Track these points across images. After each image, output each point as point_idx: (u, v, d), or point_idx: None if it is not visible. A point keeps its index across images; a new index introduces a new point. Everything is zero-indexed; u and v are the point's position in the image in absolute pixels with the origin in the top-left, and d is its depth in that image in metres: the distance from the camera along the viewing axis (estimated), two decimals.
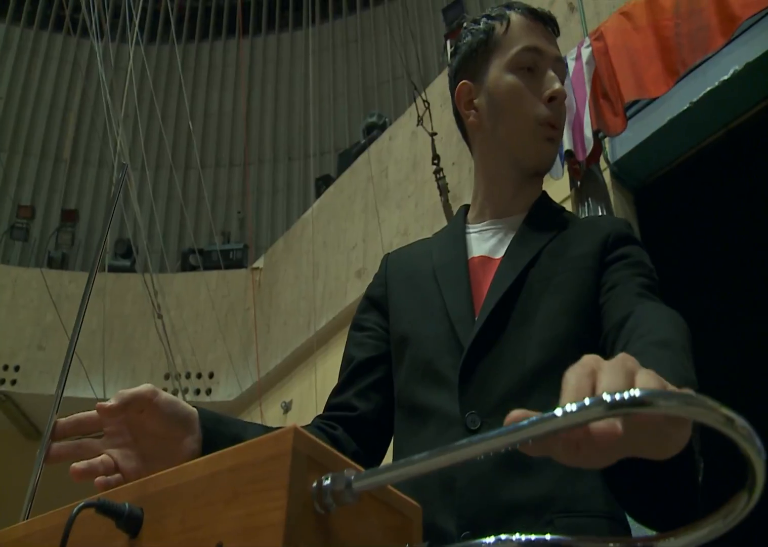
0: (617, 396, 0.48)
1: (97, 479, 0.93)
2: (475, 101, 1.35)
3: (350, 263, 6.40)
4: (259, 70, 11.50)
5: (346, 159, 7.80)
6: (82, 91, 11.04)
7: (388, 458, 1.28)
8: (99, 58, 7.11)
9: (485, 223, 1.35)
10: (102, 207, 10.59)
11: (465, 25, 1.43)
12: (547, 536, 0.56)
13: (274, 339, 7.18)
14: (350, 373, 1.32)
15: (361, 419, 1.27)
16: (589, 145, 3.76)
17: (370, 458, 1.27)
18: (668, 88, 3.48)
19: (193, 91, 11.06)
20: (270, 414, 6.53)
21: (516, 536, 0.56)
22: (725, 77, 3.60)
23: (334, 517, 0.59)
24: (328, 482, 0.58)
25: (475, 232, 1.35)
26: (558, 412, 0.50)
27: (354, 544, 0.61)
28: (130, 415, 0.95)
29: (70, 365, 1.07)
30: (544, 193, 1.39)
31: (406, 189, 6.04)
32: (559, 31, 1.40)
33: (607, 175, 4.05)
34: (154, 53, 11.30)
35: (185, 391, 7.26)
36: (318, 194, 7.95)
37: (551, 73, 1.31)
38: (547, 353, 1.13)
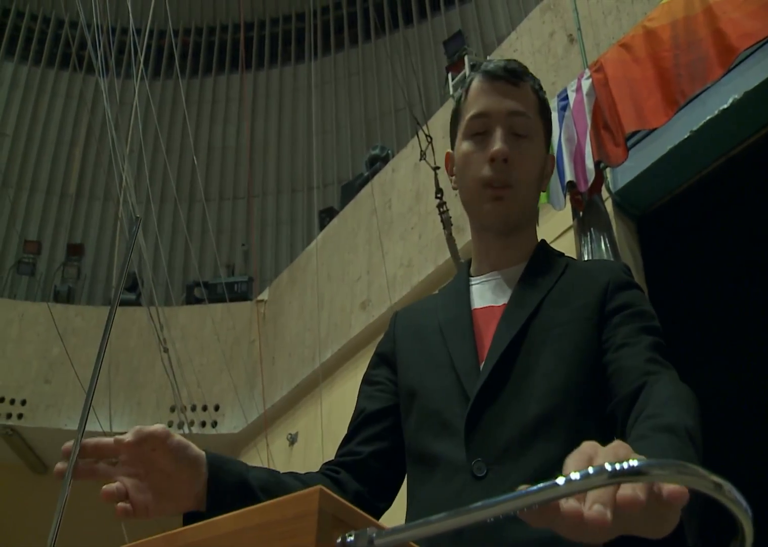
0: (617, 466, 0.52)
1: (118, 505, 0.98)
2: (454, 169, 1.42)
3: (354, 295, 6.41)
4: (262, 103, 11.61)
5: (349, 191, 7.84)
6: (87, 126, 11.15)
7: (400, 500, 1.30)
8: (104, 93, 7.18)
9: (487, 274, 1.38)
10: (107, 240, 10.66)
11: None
12: None
13: (280, 371, 7.19)
14: (358, 424, 1.37)
15: (364, 462, 1.30)
16: (591, 175, 3.79)
17: (374, 499, 1.29)
18: (668, 119, 3.52)
19: (196, 125, 11.17)
20: (276, 446, 6.52)
21: None
22: (724, 106, 3.63)
23: None
24: (351, 538, 0.60)
25: (477, 283, 1.38)
26: (562, 480, 0.54)
27: None
28: (144, 451, 0.99)
29: (92, 398, 1.12)
30: (543, 241, 1.42)
31: (410, 221, 6.07)
32: (521, 77, 1.37)
33: (609, 205, 4.07)
34: (158, 88, 11.42)
35: (191, 423, 7.25)
36: (322, 226, 7.98)
37: (497, 133, 1.32)
38: (549, 403, 1.15)
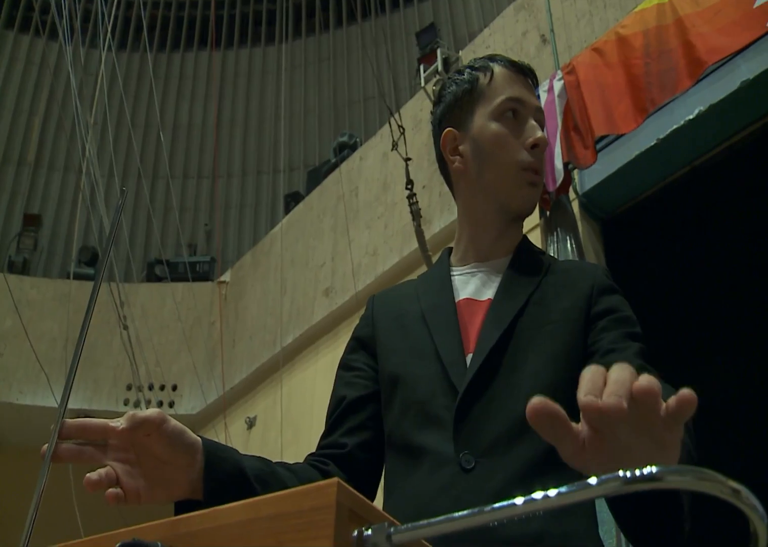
0: (636, 472, 0.55)
1: (109, 491, 0.95)
2: (460, 148, 1.40)
3: (318, 281, 6.43)
4: (230, 83, 11.50)
5: (315, 177, 7.85)
6: (48, 94, 10.93)
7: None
8: (68, 61, 7.03)
9: (469, 266, 1.40)
10: (66, 212, 10.48)
11: (449, 75, 1.50)
12: None
13: (240, 354, 7.18)
14: (340, 413, 1.36)
15: (350, 455, 1.30)
16: (560, 176, 3.86)
17: (361, 491, 1.31)
18: (637, 125, 3.60)
19: (162, 101, 11.02)
20: (234, 429, 6.53)
21: None
22: (690, 117, 3.73)
23: None
24: (369, 532, 0.63)
25: (459, 274, 1.40)
26: (579, 485, 0.57)
27: None
28: (137, 436, 0.96)
29: (74, 376, 1.07)
30: (525, 236, 1.45)
31: (376, 210, 6.10)
32: (538, 82, 1.47)
33: (575, 206, 4.15)
34: (124, 61, 11.21)
35: (148, 402, 7.22)
36: (287, 211, 7.97)
37: (533, 122, 1.37)
38: None
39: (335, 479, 0.64)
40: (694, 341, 4.36)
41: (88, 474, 0.94)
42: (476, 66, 1.43)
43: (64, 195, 10.68)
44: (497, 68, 1.40)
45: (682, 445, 0.94)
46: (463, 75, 1.44)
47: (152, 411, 0.96)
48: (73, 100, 6.56)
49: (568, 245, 3.86)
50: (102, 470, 0.96)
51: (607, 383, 0.71)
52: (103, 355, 7.73)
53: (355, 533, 0.63)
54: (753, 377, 4.37)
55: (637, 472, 0.55)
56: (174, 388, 7.60)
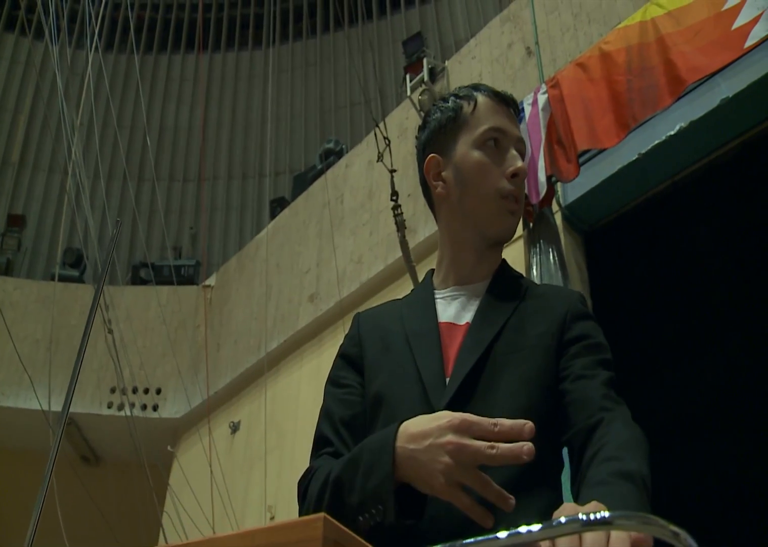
0: (591, 516, 0.62)
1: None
2: (443, 173, 1.44)
3: (303, 287, 6.46)
4: (217, 86, 11.50)
5: (301, 182, 7.87)
6: (33, 93, 10.88)
7: None
8: (55, 60, 7.00)
9: (450, 289, 1.44)
10: (51, 213, 10.45)
11: (434, 102, 1.53)
12: None
13: (224, 358, 7.19)
14: (336, 429, 1.39)
15: None
16: (543, 189, 3.91)
17: None
18: (619, 140, 3.66)
19: (149, 103, 11.01)
20: (217, 433, 6.54)
21: None
22: (672, 133, 3.79)
23: None
24: None
25: (441, 297, 1.44)
26: (543, 525, 0.64)
27: None
28: None
29: (77, 378, 1.10)
30: (504, 261, 1.49)
31: (361, 217, 6.14)
32: (519, 113, 1.52)
33: (558, 218, 4.20)
34: (110, 62, 11.19)
35: (132, 405, 7.22)
36: (272, 216, 7.99)
37: (514, 152, 1.40)
38: None
39: (322, 515, 0.69)
40: (674, 351, 4.42)
41: None
42: (461, 94, 1.47)
43: (49, 196, 10.65)
44: (481, 98, 1.45)
45: (640, 487, 1.02)
46: (448, 103, 1.47)
47: None
48: (59, 101, 6.55)
49: (551, 257, 3.91)
50: None
51: (584, 545, 0.77)
52: (86, 357, 7.61)
53: None
54: (736, 388, 4.44)
55: (592, 516, 0.62)
56: (158, 391, 7.60)
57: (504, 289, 1.41)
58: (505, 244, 1.49)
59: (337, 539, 0.70)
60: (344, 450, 1.34)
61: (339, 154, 7.51)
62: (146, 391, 7.57)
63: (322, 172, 7.08)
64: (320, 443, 1.39)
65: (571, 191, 4.23)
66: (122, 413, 7.23)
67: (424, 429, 1.07)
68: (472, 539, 0.66)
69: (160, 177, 10.44)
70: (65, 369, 7.42)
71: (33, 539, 0.99)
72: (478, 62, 5.55)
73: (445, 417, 1.06)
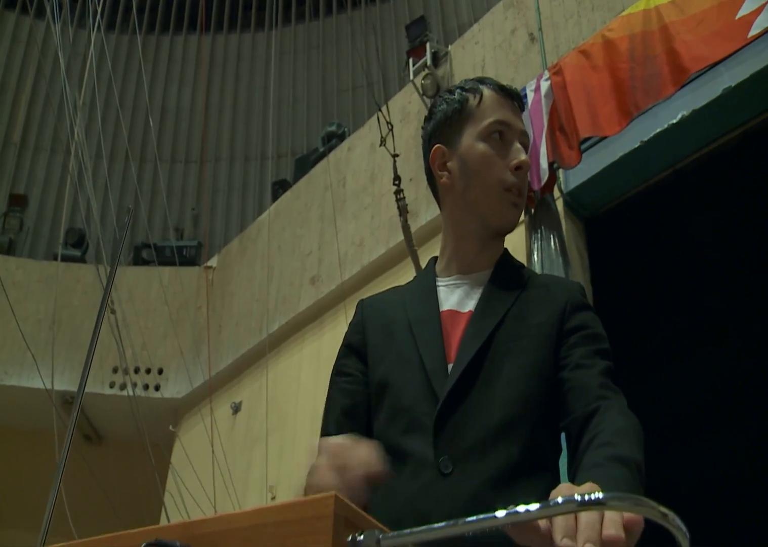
0: (585, 497, 0.66)
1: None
2: (448, 164, 1.48)
3: (305, 270, 6.48)
4: (219, 68, 11.45)
5: (302, 165, 7.88)
6: (35, 73, 10.84)
7: None
8: (57, 39, 6.99)
9: (453, 277, 1.48)
10: (53, 193, 10.43)
11: (440, 94, 1.56)
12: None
13: (226, 339, 7.22)
14: (338, 419, 1.44)
15: None
16: (545, 175, 3.94)
17: None
18: (621, 128, 3.68)
19: (151, 84, 10.98)
20: (219, 414, 6.59)
21: None
22: (674, 121, 3.81)
23: None
24: (361, 538, 0.72)
25: (443, 285, 1.48)
26: (541, 505, 0.67)
27: None
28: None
29: (92, 359, 1.14)
30: (506, 250, 1.53)
31: (363, 201, 6.15)
32: (524, 107, 1.55)
33: (559, 205, 4.23)
34: (112, 43, 11.13)
35: (134, 385, 7.26)
36: (274, 198, 7.99)
37: (518, 145, 1.45)
38: (511, 410, 1.28)
39: (333, 493, 0.73)
40: (675, 339, 4.45)
41: None
42: (467, 87, 1.51)
43: (51, 176, 10.62)
44: (486, 91, 1.49)
45: (633, 471, 1.06)
46: (454, 95, 1.51)
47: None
48: (62, 80, 6.54)
49: (552, 243, 3.94)
50: None
51: (579, 525, 0.79)
52: (89, 337, 7.66)
53: (350, 538, 0.72)
54: (737, 375, 4.46)
55: (587, 497, 0.66)
56: (160, 371, 7.63)
57: (506, 278, 1.45)
58: (504, 246, 1.53)
59: (347, 516, 0.73)
60: None
61: (341, 138, 7.52)
62: (148, 371, 7.59)
63: (324, 155, 7.09)
64: (322, 433, 1.43)
65: (572, 178, 4.25)
66: (124, 393, 7.27)
67: None
68: (474, 518, 0.70)
69: (162, 158, 10.43)
70: (67, 349, 7.54)
71: (50, 519, 1.04)
72: (481, 47, 5.55)
73: None
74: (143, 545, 0.80)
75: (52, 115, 10.53)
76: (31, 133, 10.82)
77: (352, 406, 1.43)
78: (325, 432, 1.44)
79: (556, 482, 1.29)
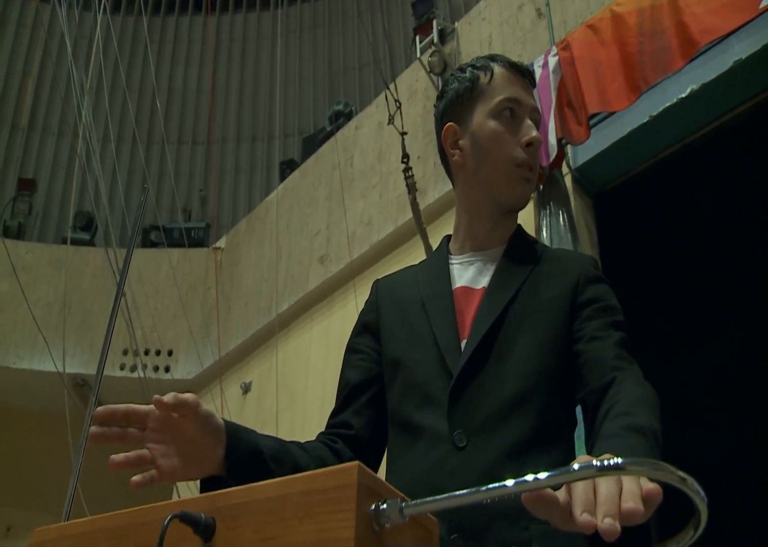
0: (605, 462, 0.67)
1: (133, 479, 1.07)
2: (460, 142, 1.49)
3: (313, 249, 6.48)
4: (225, 48, 11.40)
5: (310, 144, 7.85)
6: (41, 57, 10.81)
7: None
8: (63, 22, 6.96)
9: (466, 255, 1.49)
10: (61, 177, 10.43)
11: (452, 72, 1.58)
12: None
13: (235, 320, 7.24)
14: (346, 395, 1.47)
15: (356, 435, 1.42)
16: (553, 151, 3.93)
17: (365, 466, 1.42)
18: (630, 103, 3.66)
19: (157, 65, 10.95)
20: (229, 394, 6.62)
21: None
22: (683, 95, 3.78)
23: (384, 532, 0.74)
24: (384, 507, 0.74)
25: (457, 263, 1.49)
26: (560, 470, 0.68)
27: None
28: (174, 417, 1.07)
29: (109, 344, 1.18)
30: (519, 226, 1.54)
31: (371, 179, 6.14)
32: (535, 84, 1.55)
33: (568, 180, 4.21)
34: (118, 25, 11.08)
35: (144, 367, 7.30)
36: (282, 178, 7.98)
37: (529, 122, 1.45)
38: (524, 384, 1.29)
39: (356, 462, 0.75)
40: (685, 314, 4.46)
41: (113, 456, 1.05)
42: (477, 65, 1.51)
43: (59, 159, 10.60)
44: (497, 69, 1.49)
45: (651, 440, 1.06)
46: (465, 73, 1.52)
47: (189, 395, 1.06)
48: (68, 63, 6.53)
49: (560, 219, 3.93)
50: (131, 453, 1.08)
51: (598, 499, 0.78)
52: (99, 320, 7.76)
53: (373, 507, 0.74)
54: (749, 352, 4.47)
55: (605, 462, 0.67)
56: (170, 353, 7.66)
57: (519, 254, 1.46)
58: (517, 222, 1.53)
59: (370, 485, 0.75)
60: (352, 418, 1.43)
61: (348, 116, 7.49)
62: (158, 352, 7.63)
63: (331, 134, 7.07)
64: (332, 413, 1.48)
65: (581, 154, 4.23)
66: (135, 375, 7.31)
67: None
68: (496, 484, 0.71)
69: (169, 140, 10.41)
70: (77, 332, 7.57)
71: (72, 500, 1.05)
72: (488, 24, 5.51)
73: None
74: (169, 516, 0.81)
75: (60, 98, 10.52)
76: (38, 117, 10.80)
77: (362, 382, 1.46)
78: (337, 409, 1.47)
79: (571, 455, 1.31)
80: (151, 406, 1.06)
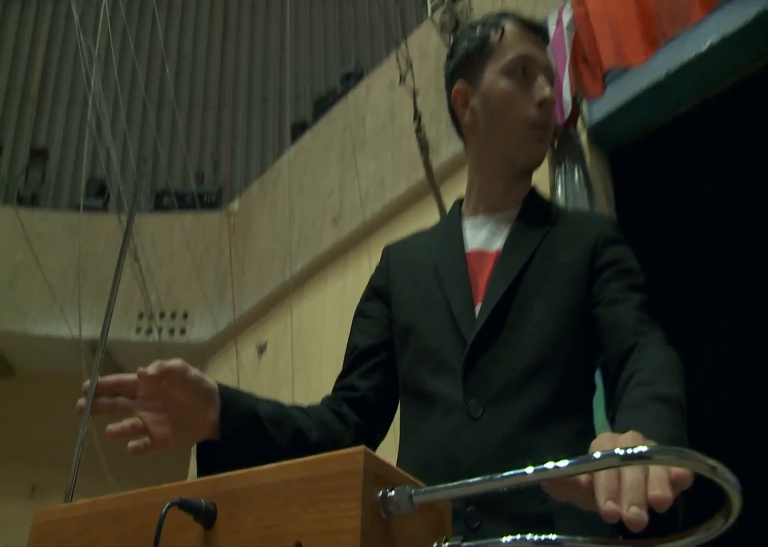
0: (629, 451, 0.62)
1: (130, 445, 1.06)
2: (471, 102, 1.44)
3: (326, 210, 6.44)
4: (234, 11, 11.29)
5: (321, 106, 7.78)
6: (49, 25, 10.75)
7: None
8: None
9: (479, 217, 1.45)
10: (72, 144, 10.43)
11: (462, 30, 1.52)
12: (553, 537, 0.68)
13: (249, 282, 7.23)
14: (354, 359, 1.45)
15: (363, 397, 1.39)
16: (568, 108, 3.85)
17: (370, 430, 1.38)
18: (647, 58, 3.55)
19: (165, 31, 10.85)
20: (244, 355, 6.63)
21: (529, 536, 0.69)
22: (701, 50, 3.67)
23: (393, 520, 0.71)
24: (392, 494, 0.70)
25: (470, 225, 1.45)
26: (580, 459, 0.65)
27: (407, 540, 0.73)
28: (163, 384, 1.06)
29: (112, 310, 1.16)
30: (533, 188, 1.49)
31: (383, 139, 6.07)
32: (548, 40, 1.50)
33: (583, 138, 4.13)
34: None
35: (159, 330, 7.34)
36: (294, 140, 7.93)
37: (542, 80, 1.40)
38: (541, 353, 1.25)
39: (362, 447, 0.71)
40: (702, 271, 4.40)
41: (109, 426, 1.04)
42: (488, 22, 1.46)
43: (70, 127, 10.60)
44: (508, 26, 1.44)
45: (675, 410, 1.01)
46: (475, 31, 1.47)
47: (175, 361, 1.05)
48: (76, 31, 6.48)
49: (576, 177, 3.86)
50: (125, 422, 1.06)
51: (623, 485, 0.74)
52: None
53: (380, 494, 0.70)
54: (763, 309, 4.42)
55: (629, 451, 0.62)
56: (185, 316, 7.68)
57: (534, 216, 1.41)
58: (531, 183, 1.48)
59: (377, 471, 0.71)
60: (359, 382, 1.40)
61: (359, 76, 7.40)
62: (173, 315, 7.65)
63: (342, 95, 6.99)
64: (340, 376, 1.45)
65: (596, 110, 4.14)
66: (150, 338, 7.35)
67: None
68: (516, 472, 0.67)
69: (180, 105, 10.35)
70: (93, 298, 7.60)
71: (77, 468, 1.03)
72: None
73: None
74: (167, 505, 0.79)
75: (69, 66, 10.46)
76: (48, 86, 10.77)
77: (371, 347, 1.44)
78: (343, 372, 1.45)
79: (589, 422, 1.28)
80: (143, 369, 1.06)
